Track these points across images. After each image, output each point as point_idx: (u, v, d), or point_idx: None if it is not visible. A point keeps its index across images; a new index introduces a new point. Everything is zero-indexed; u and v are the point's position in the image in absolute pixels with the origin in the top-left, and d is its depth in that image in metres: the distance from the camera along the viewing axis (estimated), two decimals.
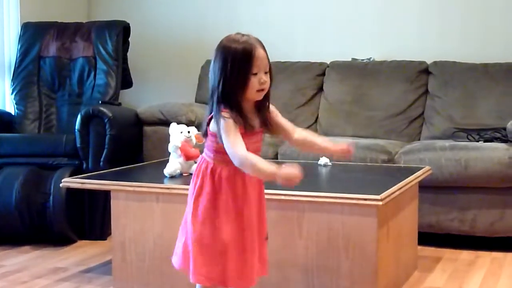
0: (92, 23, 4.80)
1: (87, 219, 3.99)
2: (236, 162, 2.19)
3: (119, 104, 4.39)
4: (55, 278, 3.27)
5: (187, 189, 2.94)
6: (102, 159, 3.96)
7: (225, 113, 2.20)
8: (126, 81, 4.77)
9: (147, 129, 4.32)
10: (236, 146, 2.18)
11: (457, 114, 4.29)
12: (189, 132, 3.30)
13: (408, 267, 3.27)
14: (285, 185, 2.13)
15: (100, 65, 4.58)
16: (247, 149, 2.19)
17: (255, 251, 2.28)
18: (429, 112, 4.41)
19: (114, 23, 4.70)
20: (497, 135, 3.94)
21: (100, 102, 4.27)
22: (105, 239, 3.98)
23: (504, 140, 3.85)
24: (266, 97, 2.29)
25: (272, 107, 2.34)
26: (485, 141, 3.89)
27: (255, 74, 2.21)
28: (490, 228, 3.68)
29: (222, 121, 2.20)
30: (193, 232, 2.27)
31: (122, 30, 4.67)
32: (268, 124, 2.31)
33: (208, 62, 4.96)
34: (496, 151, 3.64)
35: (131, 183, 3.05)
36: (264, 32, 5.15)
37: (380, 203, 2.64)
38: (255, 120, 2.29)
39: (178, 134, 3.29)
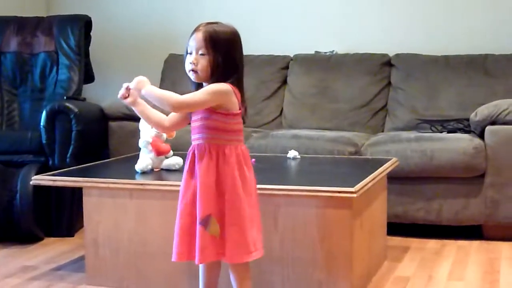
0: (53, 18, 4.73)
1: (54, 216, 3.95)
2: None
3: (84, 99, 4.34)
4: (25, 276, 3.23)
5: (161, 185, 2.98)
6: (68, 155, 3.92)
7: None
8: (88, 76, 4.72)
9: (113, 124, 4.28)
10: None
11: (420, 105, 4.36)
12: None
13: (379, 257, 3.33)
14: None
15: (63, 60, 4.52)
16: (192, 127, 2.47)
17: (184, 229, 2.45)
18: (392, 104, 4.48)
19: (76, 18, 4.64)
20: (460, 126, 4.03)
21: (65, 97, 4.22)
22: (72, 236, 3.94)
23: (466, 131, 3.94)
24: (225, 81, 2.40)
25: None
26: (449, 132, 3.97)
27: (190, 53, 2.40)
28: (455, 217, 3.77)
29: None
30: None
31: (84, 25, 4.61)
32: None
33: (171, 56, 4.96)
34: (460, 141, 3.72)
35: (104, 179, 3.03)
36: (227, 23, 5.18)
37: (355, 195, 2.68)
38: None
39: (148, 129, 3.28)
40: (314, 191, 2.74)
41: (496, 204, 3.69)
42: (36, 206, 3.77)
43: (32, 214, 3.74)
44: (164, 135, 3.30)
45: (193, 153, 2.47)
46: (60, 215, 3.95)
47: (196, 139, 2.47)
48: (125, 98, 2.52)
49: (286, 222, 2.81)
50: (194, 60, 2.40)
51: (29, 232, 3.80)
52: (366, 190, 2.83)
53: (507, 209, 3.69)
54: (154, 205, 2.98)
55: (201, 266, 2.60)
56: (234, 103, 2.42)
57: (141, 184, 2.99)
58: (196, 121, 2.47)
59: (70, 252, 3.63)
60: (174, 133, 3.34)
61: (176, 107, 2.39)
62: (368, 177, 2.91)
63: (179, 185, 2.70)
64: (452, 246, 3.65)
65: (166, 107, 2.39)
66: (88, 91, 4.92)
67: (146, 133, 3.28)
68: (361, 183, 2.78)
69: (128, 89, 2.50)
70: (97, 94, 5.00)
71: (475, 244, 3.69)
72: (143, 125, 3.30)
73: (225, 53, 2.39)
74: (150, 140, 3.25)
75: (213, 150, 2.42)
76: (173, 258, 2.48)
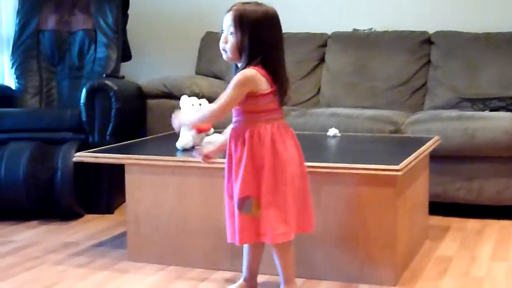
0: None
1: (94, 194, 3.97)
2: None
3: (123, 77, 4.35)
4: (67, 252, 3.26)
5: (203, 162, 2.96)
6: (108, 132, 3.93)
7: None
8: (125, 54, 4.73)
9: (150, 102, 4.30)
10: None
11: (460, 84, 4.30)
12: (200, 104, 3.28)
13: (420, 236, 3.30)
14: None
15: (101, 38, 4.53)
16: None
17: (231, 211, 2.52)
18: (432, 82, 4.42)
19: None
20: (502, 104, 3.96)
21: (104, 75, 4.23)
22: (112, 212, 3.97)
23: (509, 109, 3.87)
24: (254, 61, 2.40)
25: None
26: (491, 110, 3.91)
27: (222, 31, 2.44)
28: (496, 197, 3.72)
29: None
30: None
31: (121, 2, 4.62)
32: None
33: (208, 34, 4.94)
34: (503, 120, 3.66)
35: (146, 156, 3.04)
36: (264, 2, 5.15)
37: (400, 173, 2.65)
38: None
39: (189, 106, 3.27)
40: (358, 168, 2.71)
41: None
42: (76, 183, 3.80)
43: (73, 191, 3.77)
44: None
45: (231, 137, 2.49)
46: (99, 193, 3.97)
47: (234, 122, 2.50)
48: (210, 158, 2.60)
49: (329, 200, 2.80)
50: (224, 39, 2.45)
51: (70, 209, 3.83)
52: (410, 169, 2.80)
53: None
54: (195, 182, 2.98)
55: (245, 245, 2.61)
56: (262, 83, 2.41)
57: (183, 161, 2.98)
58: None
59: (110, 229, 3.65)
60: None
61: (218, 115, 2.44)
62: (412, 155, 2.88)
63: (221, 163, 2.71)
64: (494, 226, 3.60)
65: (211, 121, 2.51)
66: (125, 69, 4.93)
67: (187, 110, 3.26)
68: (405, 161, 2.75)
69: (203, 155, 2.59)
70: (134, 72, 5.01)
71: None
72: (183, 102, 3.29)
73: (252, 33, 2.40)
74: None
75: (248, 132, 2.44)
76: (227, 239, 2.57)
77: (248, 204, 2.44)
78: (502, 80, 4.19)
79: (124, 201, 3.99)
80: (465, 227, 3.60)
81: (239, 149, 2.45)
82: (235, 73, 2.45)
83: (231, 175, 2.50)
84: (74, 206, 3.83)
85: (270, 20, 2.44)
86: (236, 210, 2.47)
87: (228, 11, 2.45)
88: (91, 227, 3.71)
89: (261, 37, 2.41)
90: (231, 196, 2.51)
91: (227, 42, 2.43)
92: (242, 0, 2.48)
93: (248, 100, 2.43)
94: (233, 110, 2.49)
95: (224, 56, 2.48)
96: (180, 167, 2.99)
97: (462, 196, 3.76)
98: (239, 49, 2.41)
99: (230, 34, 2.42)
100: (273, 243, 2.48)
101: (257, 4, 2.46)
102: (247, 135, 2.44)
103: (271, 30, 2.44)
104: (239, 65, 2.47)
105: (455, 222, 3.69)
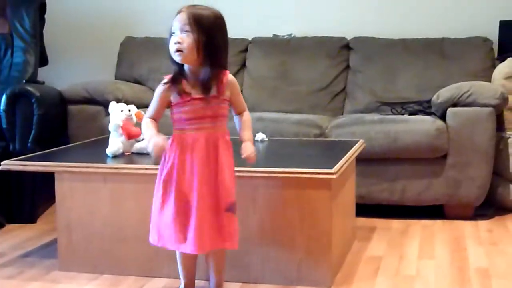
0: None
1: (15, 202, 3.85)
2: None
3: (43, 82, 4.24)
4: None
5: (136, 169, 2.94)
6: (30, 140, 3.83)
7: (165, 79, 2.48)
8: (42, 59, 4.62)
9: (72, 108, 4.20)
10: (147, 111, 2.51)
11: (379, 88, 4.42)
12: (129, 110, 3.25)
13: (350, 237, 3.37)
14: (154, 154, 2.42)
15: (18, 42, 4.40)
16: (181, 117, 2.46)
17: (185, 216, 2.45)
18: (351, 87, 4.53)
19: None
20: (420, 107, 4.10)
21: (24, 81, 4.11)
22: (35, 222, 3.86)
23: (426, 112, 4.01)
24: (213, 63, 2.41)
25: (230, 78, 2.50)
26: (409, 114, 4.04)
27: (173, 34, 2.40)
28: (418, 198, 3.84)
29: None
30: None
31: (39, 6, 4.51)
32: (210, 93, 2.44)
33: (127, 39, 4.88)
34: (423, 123, 3.79)
35: (77, 163, 2.97)
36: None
37: (334, 176, 2.71)
38: (193, 86, 2.44)
39: (118, 112, 3.23)
40: (294, 172, 2.75)
41: (457, 184, 3.78)
42: None
43: None
44: (134, 119, 3.26)
45: (206, 142, 2.47)
46: (21, 201, 3.85)
47: (205, 127, 2.47)
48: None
49: (264, 203, 2.82)
50: (179, 38, 2.38)
51: None
52: (342, 172, 2.86)
53: (468, 189, 3.79)
54: (129, 189, 2.94)
55: (180, 253, 2.60)
56: None
57: (116, 168, 2.94)
58: (200, 110, 2.46)
59: (36, 239, 3.55)
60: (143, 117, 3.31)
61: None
62: (343, 158, 2.94)
63: (154, 169, 2.68)
64: (416, 226, 3.73)
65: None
66: (42, 74, 4.80)
67: (117, 116, 3.23)
68: (338, 164, 2.81)
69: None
70: (52, 78, 4.89)
71: (438, 223, 3.78)
72: (113, 108, 3.25)
73: (208, 33, 2.39)
74: (121, 124, 3.20)
75: (227, 136, 2.53)
76: (175, 247, 2.52)
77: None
78: (419, 85, 4.34)
79: (46, 209, 3.94)
80: (390, 227, 3.71)
81: (221, 153, 2.49)
82: (196, 77, 2.43)
83: (212, 181, 2.47)
84: None
85: (221, 22, 2.45)
86: (228, 215, 2.49)
87: (178, 13, 2.41)
88: (15, 237, 3.59)
89: (216, 38, 2.41)
90: (187, 202, 2.47)
91: (183, 42, 2.37)
92: (186, 4, 2.46)
93: (227, 105, 2.50)
94: (199, 115, 2.46)
95: (179, 58, 2.40)
96: (113, 173, 2.95)
97: (385, 197, 3.87)
98: (197, 48, 2.37)
99: (186, 32, 2.37)
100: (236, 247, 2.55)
101: (205, 6, 2.45)
102: (228, 138, 2.52)
103: (223, 31, 2.46)
104: (186, 66, 2.44)
105: (379, 223, 3.79)
